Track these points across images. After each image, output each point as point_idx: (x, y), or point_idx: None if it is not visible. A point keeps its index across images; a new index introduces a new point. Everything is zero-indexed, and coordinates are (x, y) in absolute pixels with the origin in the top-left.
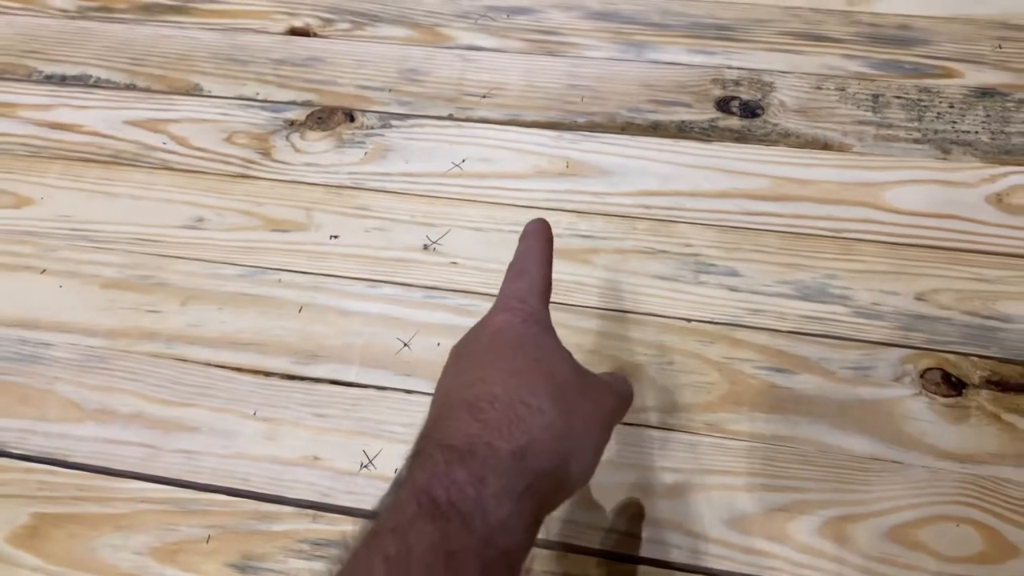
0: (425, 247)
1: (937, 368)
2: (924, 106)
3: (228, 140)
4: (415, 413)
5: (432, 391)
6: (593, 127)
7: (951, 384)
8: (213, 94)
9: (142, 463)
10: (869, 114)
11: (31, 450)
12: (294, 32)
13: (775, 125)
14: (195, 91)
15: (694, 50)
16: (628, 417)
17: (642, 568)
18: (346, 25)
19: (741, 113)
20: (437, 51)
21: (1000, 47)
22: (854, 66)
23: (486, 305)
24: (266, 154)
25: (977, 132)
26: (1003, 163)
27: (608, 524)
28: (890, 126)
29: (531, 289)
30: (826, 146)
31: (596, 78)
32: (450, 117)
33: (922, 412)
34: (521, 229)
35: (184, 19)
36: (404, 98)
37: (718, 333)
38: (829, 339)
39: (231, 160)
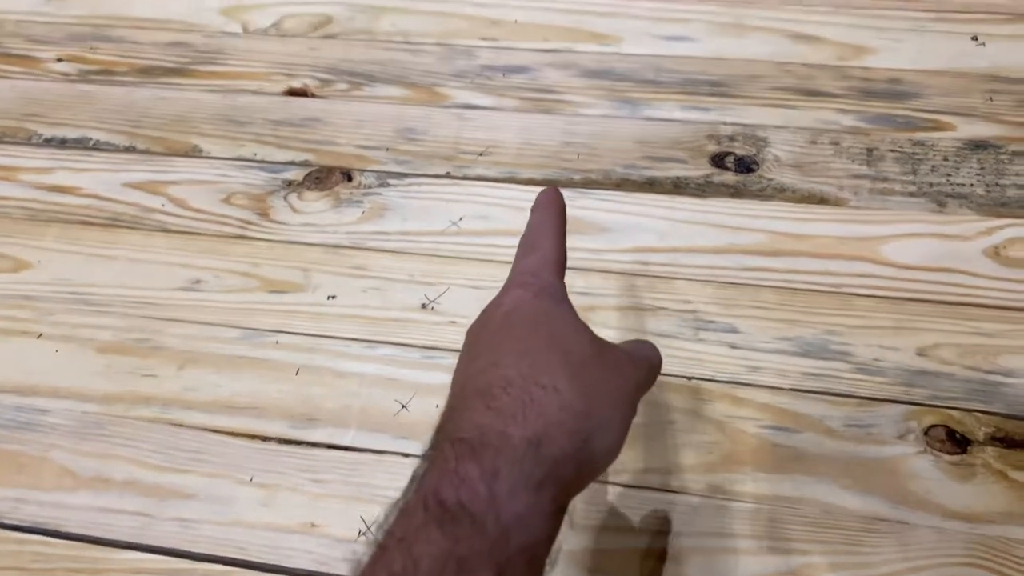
0: (423, 306)
1: (941, 425)
2: (918, 159)
3: (226, 201)
4: None
5: None
6: (589, 184)
7: (956, 441)
8: (212, 155)
9: (137, 532)
10: (864, 168)
11: (24, 520)
12: (292, 93)
13: (770, 180)
14: (194, 152)
15: (688, 106)
16: (628, 479)
17: None
18: (344, 86)
19: (736, 168)
20: (434, 110)
21: (991, 99)
22: (847, 120)
23: None
24: (264, 215)
25: (972, 185)
26: (999, 215)
27: None
28: (885, 180)
29: (544, 262)
30: (822, 200)
31: (591, 135)
32: (447, 175)
33: (927, 470)
34: None
35: (183, 81)
36: (401, 157)
37: (719, 391)
38: (831, 396)
39: (229, 221)
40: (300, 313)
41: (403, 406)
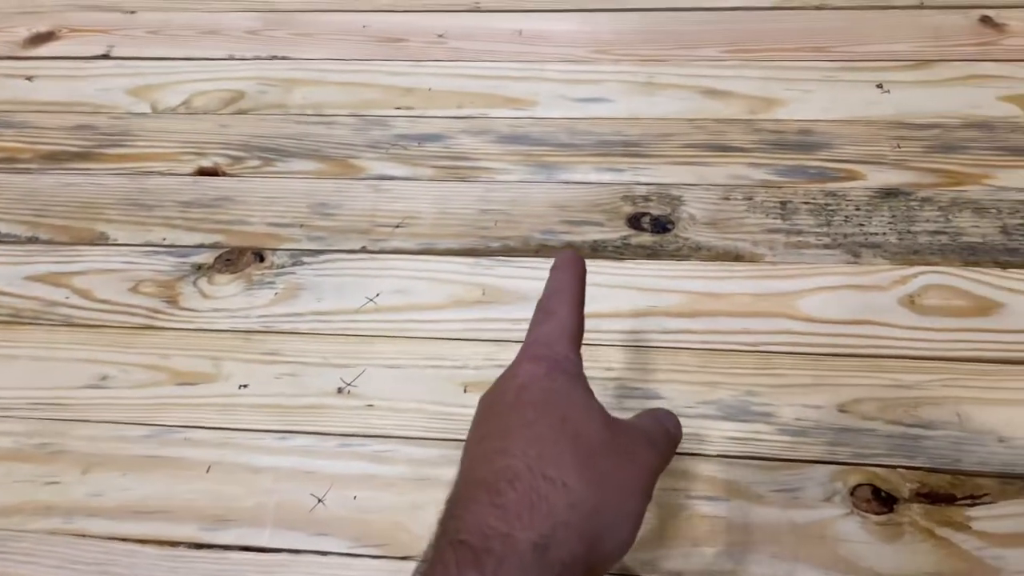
0: (339, 390)
1: (867, 484)
2: (832, 210)
3: (133, 290)
4: None
5: (349, 551)
6: (508, 251)
7: (881, 500)
8: (119, 242)
9: None
10: (778, 221)
11: None
12: (203, 172)
13: (686, 239)
14: (100, 240)
15: (603, 168)
16: None
17: None
18: (256, 162)
19: (652, 229)
20: (349, 183)
21: (899, 146)
22: (760, 174)
23: (405, 450)
24: (173, 302)
25: (885, 233)
26: (912, 263)
27: None
28: (800, 233)
29: (560, 332)
30: (738, 257)
31: (509, 201)
32: (363, 250)
33: (855, 533)
34: (437, 363)
35: (90, 165)
36: (315, 233)
37: None
38: (756, 460)
39: (136, 311)
40: (211, 405)
41: (319, 500)
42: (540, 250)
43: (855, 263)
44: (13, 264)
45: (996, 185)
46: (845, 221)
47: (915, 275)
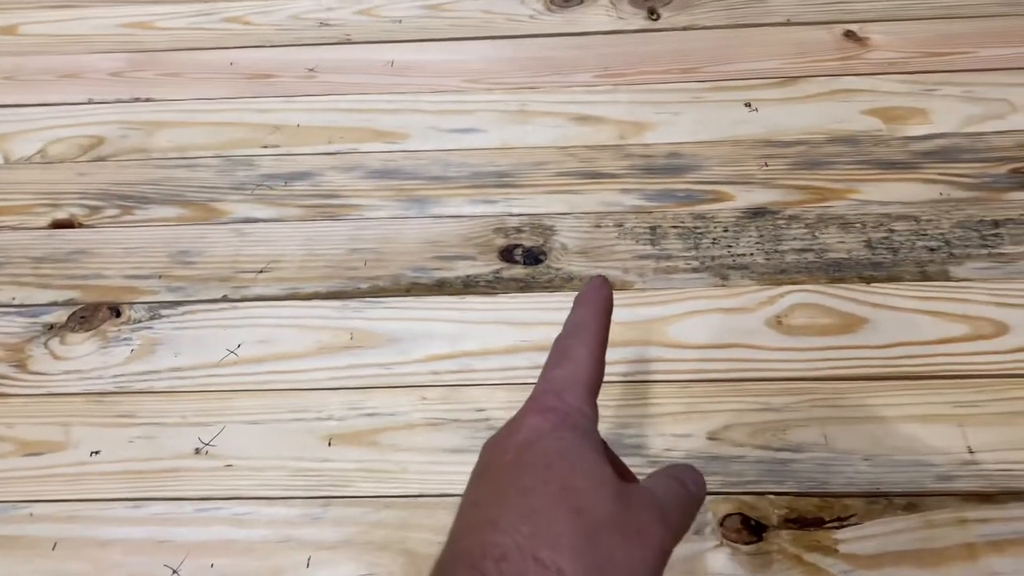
0: (197, 451)
1: (736, 513)
2: (700, 233)
3: None
4: None
5: None
6: (378, 292)
7: (751, 529)
8: None
9: None
10: (648, 247)
11: None
12: (57, 225)
13: (558, 270)
14: None
15: (476, 200)
16: None
17: None
18: (114, 211)
19: (524, 260)
20: (210, 228)
21: (766, 165)
22: (630, 200)
23: (266, 511)
24: (21, 366)
25: (752, 254)
26: (779, 283)
27: None
28: (669, 258)
29: (574, 379)
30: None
31: (379, 239)
32: (224, 299)
33: (726, 565)
34: (300, 416)
35: None
36: (175, 284)
37: None
38: None
39: None
40: (58, 476)
41: (174, 571)
42: (411, 289)
43: (723, 286)
44: None
45: (860, 199)
46: (713, 243)
47: (782, 295)
